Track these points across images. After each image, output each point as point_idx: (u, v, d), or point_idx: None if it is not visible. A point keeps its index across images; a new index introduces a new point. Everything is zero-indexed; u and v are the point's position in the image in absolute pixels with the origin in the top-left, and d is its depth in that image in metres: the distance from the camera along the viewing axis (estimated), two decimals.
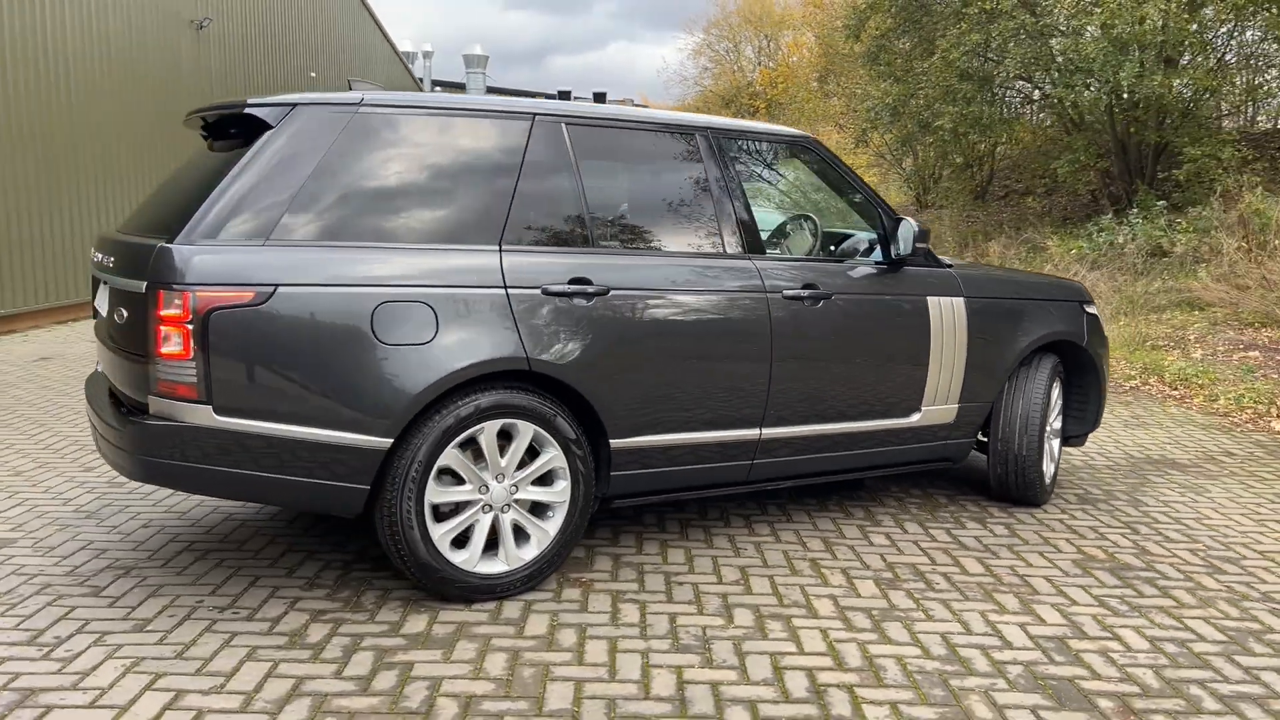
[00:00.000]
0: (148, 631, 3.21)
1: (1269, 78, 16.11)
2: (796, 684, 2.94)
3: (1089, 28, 14.48)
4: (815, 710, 2.78)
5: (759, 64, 45.46)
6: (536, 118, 3.66)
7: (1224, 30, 15.14)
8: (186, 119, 3.79)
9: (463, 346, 3.31)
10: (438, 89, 39.59)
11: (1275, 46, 15.27)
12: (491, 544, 3.51)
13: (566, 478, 3.55)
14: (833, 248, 4.63)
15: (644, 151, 3.94)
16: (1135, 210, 14.23)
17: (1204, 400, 7.63)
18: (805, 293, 4.02)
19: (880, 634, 3.30)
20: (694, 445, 3.84)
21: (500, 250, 3.47)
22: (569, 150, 3.69)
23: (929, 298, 4.38)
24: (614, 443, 3.65)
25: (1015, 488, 4.74)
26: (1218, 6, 14.20)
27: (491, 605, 3.47)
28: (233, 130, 3.49)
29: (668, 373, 3.72)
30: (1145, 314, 11.00)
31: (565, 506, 3.57)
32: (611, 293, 3.59)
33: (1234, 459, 5.92)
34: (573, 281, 3.53)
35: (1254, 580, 3.90)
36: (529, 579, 3.54)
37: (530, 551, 3.54)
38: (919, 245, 4.24)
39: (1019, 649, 3.21)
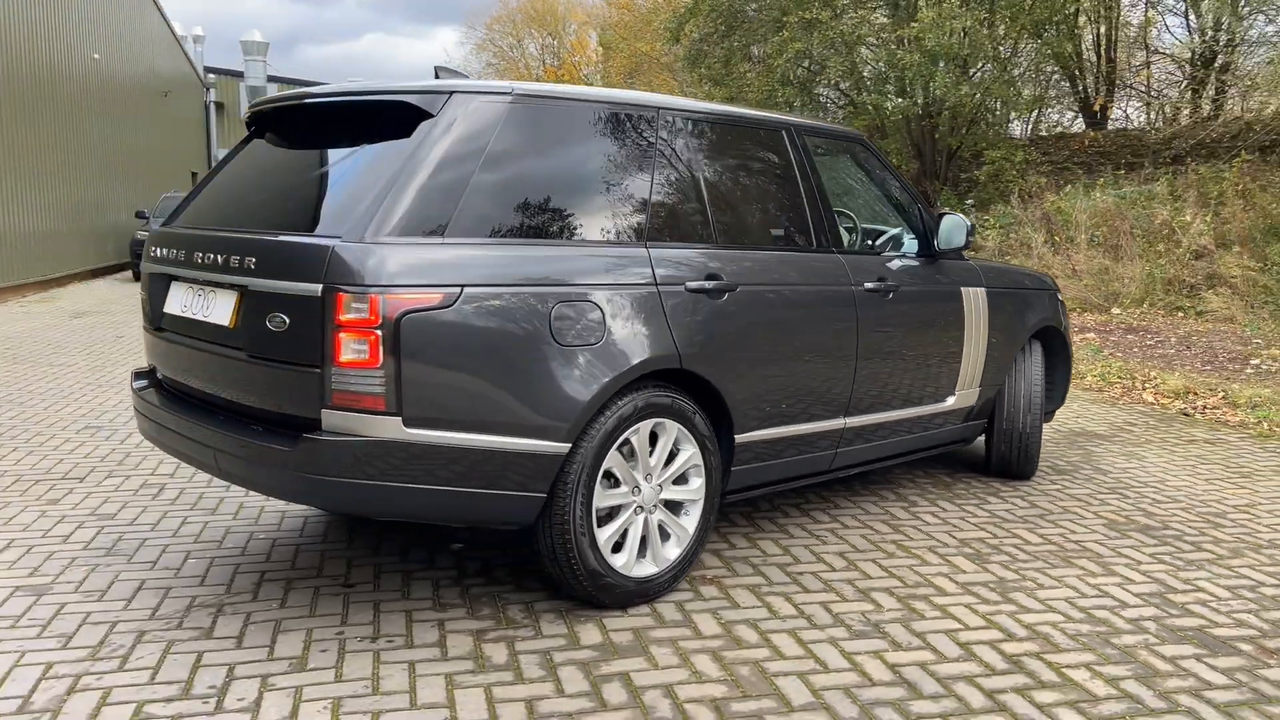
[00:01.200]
0: (315, 670, 2.92)
1: (1046, 89, 18.00)
2: (990, 657, 3.10)
3: (905, 39, 15.64)
4: (1026, 679, 2.96)
5: (544, 62, 45.53)
6: (661, 111, 3.61)
7: (1010, 45, 16.80)
8: (281, 106, 3.46)
9: (629, 346, 3.24)
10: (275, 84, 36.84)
11: (1053, 65, 17.12)
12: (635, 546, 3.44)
13: (701, 475, 3.55)
14: (869, 242, 4.84)
15: (743, 147, 3.98)
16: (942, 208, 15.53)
17: (1073, 378, 8.51)
18: (880, 285, 4.20)
19: (1015, 604, 3.53)
20: (796, 437, 3.93)
21: (646, 246, 3.42)
22: (689, 144, 3.68)
23: (962, 288, 4.68)
24: (738, 438, 3.67)
25: (1016, 464, 5.15)
26: (1007, 25, 15.74)
27: (645, 609, 3.41)
28: (347, 119, 3.24)
29: (781, 366, 3.79)
30: None
31: (700, 504, 3.56)
32: (739, 288, 3.61)
33: (1139, 428, 6.68)
34: (707, 277, 3.52)
35: (1249, 531, 4.45)
36: (674, 579, 3.51)
37: (673, 551, 3.51)
38: (970, 239, 4.53)
39: (1136, 606, 3.54)
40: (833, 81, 16.91)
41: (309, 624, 3.25)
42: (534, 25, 45.54)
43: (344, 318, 2.78)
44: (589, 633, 3.21)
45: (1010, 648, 3.17)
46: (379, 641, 3.13)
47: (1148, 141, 16.09)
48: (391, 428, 2.83)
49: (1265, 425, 6.73)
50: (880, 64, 16.06)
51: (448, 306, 2.87)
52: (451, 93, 3.09)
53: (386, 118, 3.13)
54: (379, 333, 2.77)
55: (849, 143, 4.58)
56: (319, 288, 2.80)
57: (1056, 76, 18.15)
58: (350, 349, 2.79)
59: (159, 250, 3.51)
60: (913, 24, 15.02)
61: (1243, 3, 16.42)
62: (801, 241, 4.02)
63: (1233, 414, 7.10)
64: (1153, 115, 18.24)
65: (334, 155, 3.30)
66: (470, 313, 2.91)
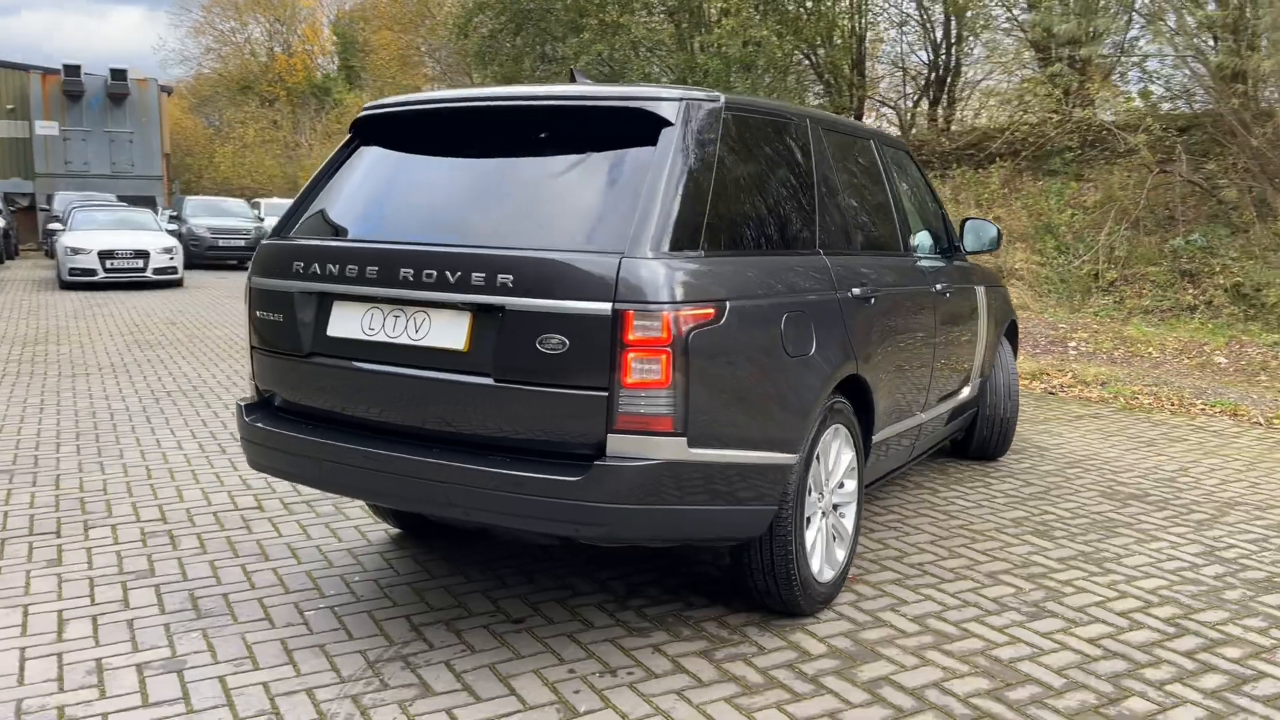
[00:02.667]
0: (596, 712, 2.73)
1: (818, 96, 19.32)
2: (1154, 624, 3.43)
3: (704, 45, 16.26)
4: (1198, 640, 3.32)
5: (272, 48, 42.74)
6: (809, 120, 3.65)
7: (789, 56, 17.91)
8: (464, 108, 3.17)
9: (831, 355, 3.28)
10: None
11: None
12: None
13: (854, 477, 3.64)
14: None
15: (857, 157, 4.09)
16: None
17: None
18: (944, 286, 4.48)
19: (1117, 574, 3.91)
20: (900, 434, 4.11)
21: (824, 255, 3.46)
22: (835, 156, 3.75)
23: (975, 286, 5.06)
24: (874, 438, 3.80)
25: (996, 446, 5.63)
26: (793, 38, 16.79)
27: (831, 614, 3.46)
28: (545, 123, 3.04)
29: (902, 367, 3.95)
30: None
31: (854, 505, 3.65)
32: (881, 292, 3.73)
33: (1028, 409, 7.46)
34: (860, 284, 3.62)
35: (1209, 493, 5.16)
36: (842, 581, 3.57)
37: (840, 554, 3.58)
38: (999, 241, 4.90)
39: (1204, 565, 4.02)
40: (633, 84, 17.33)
41: (527, 665, 3.02)
42: (259, 9, 42.63)
43: (632, 337, 2.62)
44: (807, 642, 3.22)
45: (1160, 613, 3.52)
46: (620, 674, 2.97)
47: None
48: (678, 449, 2.70)
49: (1121, 400, 7.74)
50: (679, 68, 16.59)
51: (718, 322, 2.78)
52: (684, 100, 2.97)
53: (619, 124, 2.96)
54: (670, 351, 2.64)
55: (898, 151, 4.81)
56: (608, 306, 2.62)
57: (819, 87, 19.55)
58: (638, 369, 2.63)
59: (307, 265, 3.09)
60: (715, 30, 15.66)
61: (972, 19, 18.66)
62: (894, 246, 4.20)
63: (1089, 391, 8.09)
64: (902, 124, 20.17)
65: (554, 163, 3.08)
66: (734, 327, 2.83)
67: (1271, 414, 7.15)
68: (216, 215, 23.33)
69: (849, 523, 3.62)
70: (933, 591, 3.68)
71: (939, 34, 18.93)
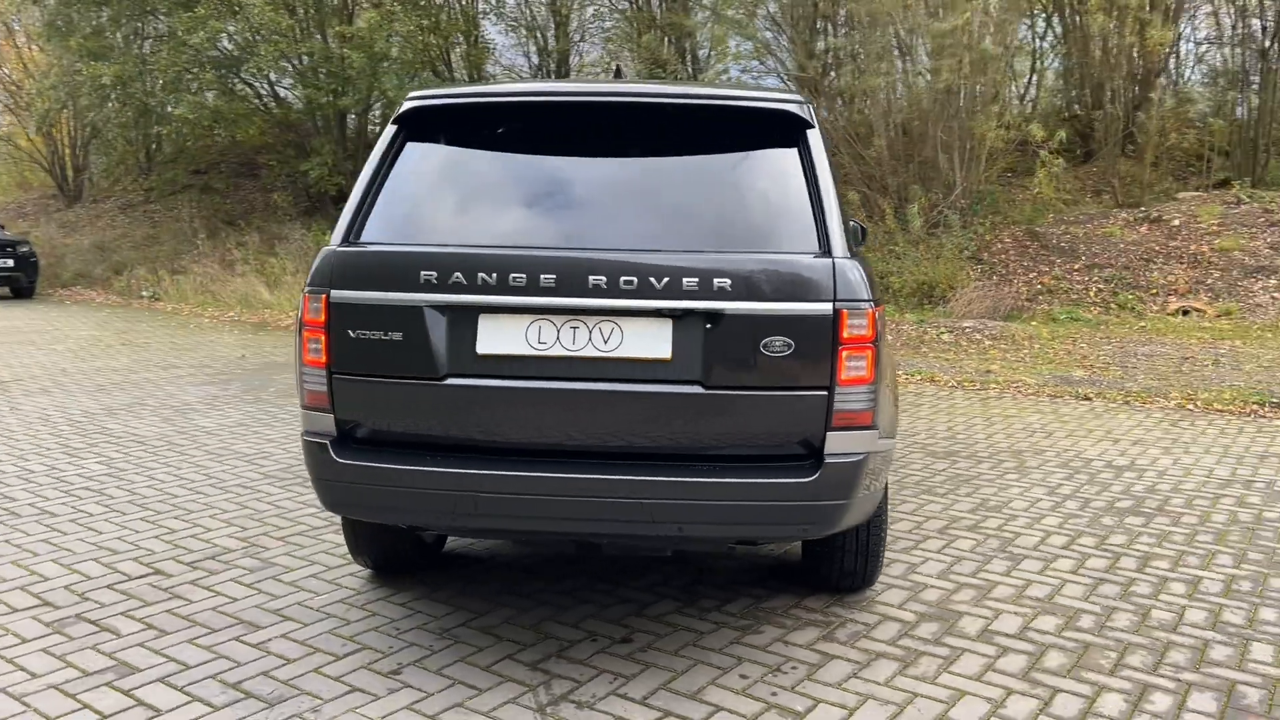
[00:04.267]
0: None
1: None
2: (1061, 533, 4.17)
3: (345, 36, 15.47)
4: None
5: None
6: None
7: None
8: (596, 103, 2.97)
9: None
10: None
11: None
12: None
13: None
14: None
15: None
16: None
17: None
18: None
19: (1037, 510, 4.64)
20: None
21: None
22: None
23: None
24: None
25: None
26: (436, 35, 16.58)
27: (877, 586, 3.73)
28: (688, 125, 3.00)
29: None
30: None
31: None
32: None
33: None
34: None
35: (1007, 444, 6.22)
36: None
37: None
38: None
39: (1073, 497, 4.91)
40: (264, 70, 15.85)
41: (700, 679, 2.94)
42: None
43: (847, 335, 2.69)
44: (893, 612, 3.48)
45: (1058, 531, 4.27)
46: (788, 672, 3.01)
47: None
48: (873, 441, 2.81)
49: (994, 389, 8.66)
50: (314, 56, 15.59)
51: (884, 318, 2.93)
52: (807, 102, 3.04)
53: (758, 125, 2.95)
54: (873, 348, 2.74)
55: None
56: (829, 306, 2.66)
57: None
58: (851, 366, 2.71)
59: (444, 275, 2.70)
60: (356, 22, 14.96)
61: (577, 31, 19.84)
62: None
63: (969, 381, 8.96)
64: None
65: (699, 163, 2.98)
66: (881, 323, 2.99)
67: (961, 377, 8.62)
68: None
69: None
70: (915, 552, 4.10)
71: (549, 41, 19.78)
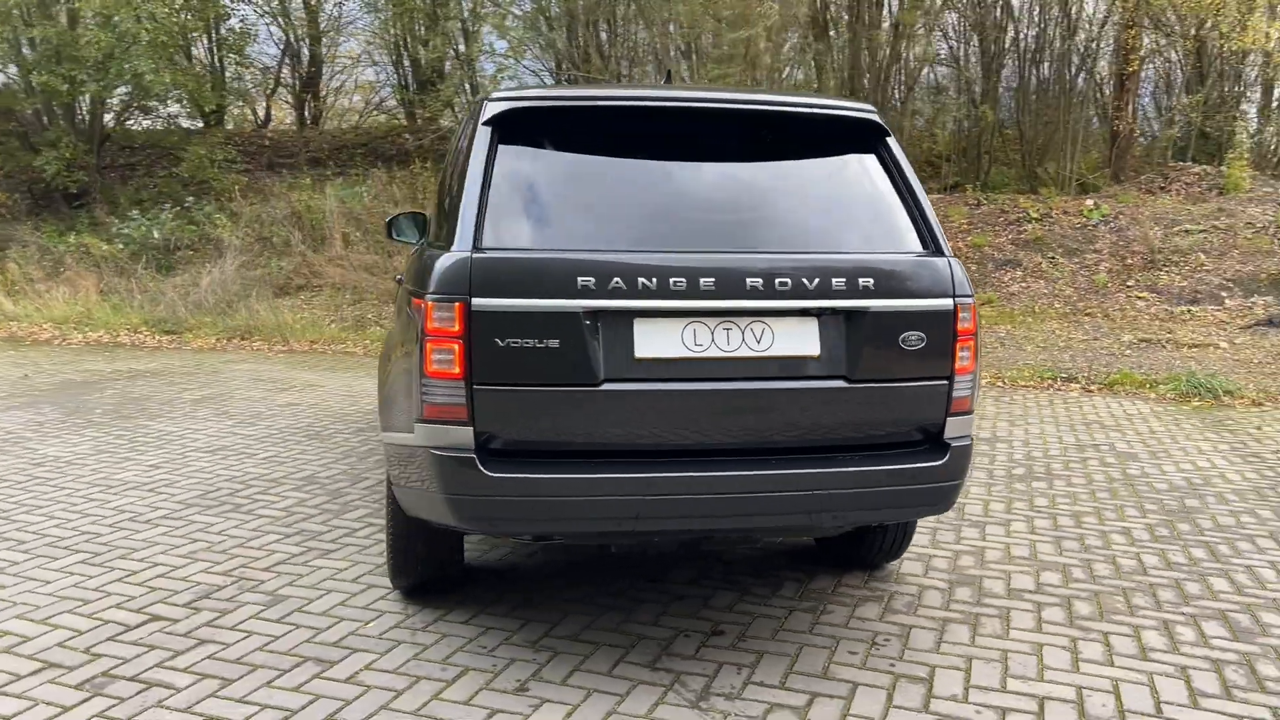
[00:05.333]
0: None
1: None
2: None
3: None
4: None
5: None
6: None
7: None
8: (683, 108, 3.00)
9: None
10: None
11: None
12: None
13: None
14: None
15: None
16: (136, 208, 14.50)
17: None
18: None
19: None
20: None
21: None
22: None
23: None
24: None
25: None
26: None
27: (915, 564, 4.05)
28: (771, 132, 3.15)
29: None
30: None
31: None
32: None
33: None
34: None
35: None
36: None
37: None
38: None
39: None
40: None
41: (816, 661, 3.10)
42: None
43: (960, 327, 2.96)
44: (922, 580, 3.81)
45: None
46: (881, 645, 3.24)
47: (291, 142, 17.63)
48: (970, 425, 3.09)
49: None
50: (48, 41, 13.85)
51: None
52: (877, 111, 3.27)
53: (846, 132, 3.14)
54: (974, 340, 3.03)
55: None
56: (950, 301, 2.91)
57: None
58: (962, 357, 2.98)
59: (602, 281, 2.69)
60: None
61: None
62: None
63: None
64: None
65: (796, 168, 3.12)
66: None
67: None
68: None
69: None
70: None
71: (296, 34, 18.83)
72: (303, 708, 2.81)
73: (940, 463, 2.93)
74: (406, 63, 18.78)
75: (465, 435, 2.75)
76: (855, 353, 2.87)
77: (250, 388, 7.89)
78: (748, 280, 2.77)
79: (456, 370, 2.72)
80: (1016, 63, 16.08)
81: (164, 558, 4.00)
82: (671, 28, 13.80)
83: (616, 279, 2.71)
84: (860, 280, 2.85)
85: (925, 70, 17.14)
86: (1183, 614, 3.50)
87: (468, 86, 16.92)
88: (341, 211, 14.13)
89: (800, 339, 2.84)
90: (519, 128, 2.99)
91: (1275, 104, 16.05)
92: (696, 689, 2.93)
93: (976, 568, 3.95)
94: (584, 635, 3.30)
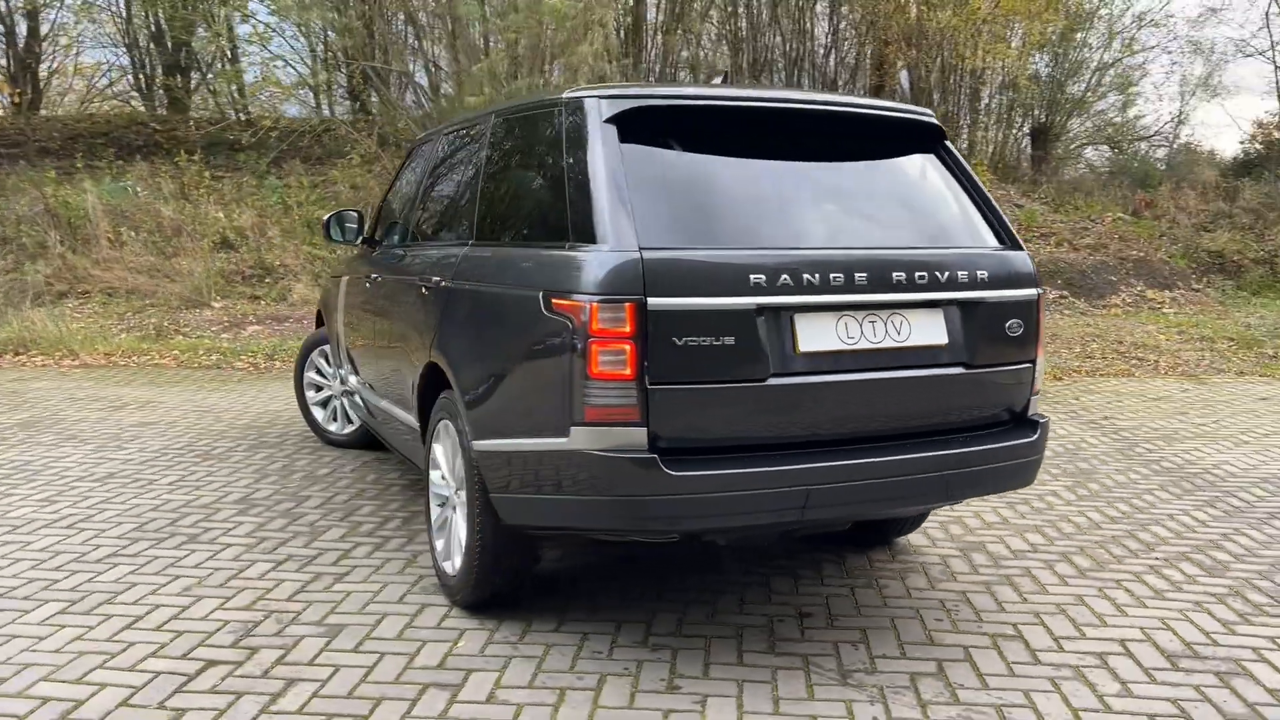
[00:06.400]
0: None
1: None
2: None
3: None
4: None
5: None
6: None
7: None
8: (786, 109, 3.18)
9: None
10: None
11: None
12: None
13: None
14: None
15: None
16: None
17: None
18: None
19: None
20: None
21: None
22: None
23: None
24: None
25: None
26: None
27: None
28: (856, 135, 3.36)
29: None
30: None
31: None
32: None
33: None
34: None
35: None
36: None
37: None
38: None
39: None
40: None
41: (909, 629, 3.30)
42: None
43: (1040, 314, 3.28)
44: (934, 549, 4.12)
45: None
46: (952, 611, 3.50)
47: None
48: (1037, 405, 3.41)
49: None
50: None
51: None
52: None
53: (910, 133, 3.37)
54: (1040, 327, 3.36)
55: None
56: (1035, 291, 3.23)
57: None
58: (1041, 342, 3.30)
59: (771, 278, 2.76)
60: None
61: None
62: None
63: None
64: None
65: (883, 168, 3.32)
66: None
67: None
68: None
69: None
70: None
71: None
72: None
73: (1033, 439, 3.23)
74: (145, 43, 17.24)
75: (638, 436, 2.71)
76: (973, 340, 3.11)
77: (75, 408, 6.98)
78: (892, 274, 2.94)
79: (627, 371, 2.67)
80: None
81: (156, 598, 3.55)
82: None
83: (784, 275, 2.79)
84: (976, 273, 3.10)
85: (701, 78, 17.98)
86: (1160, 558, 4.04)
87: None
88: (106, 209, 12.73)
89: (931, 329, 3.04)
90: (638, 126, 2.98)
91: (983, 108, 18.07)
92: (832, 667, 3.05)
93: (968, 535, 4.33)
94: (685, 631, 3.31)
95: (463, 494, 3.38)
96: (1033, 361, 3.28)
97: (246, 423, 6.52)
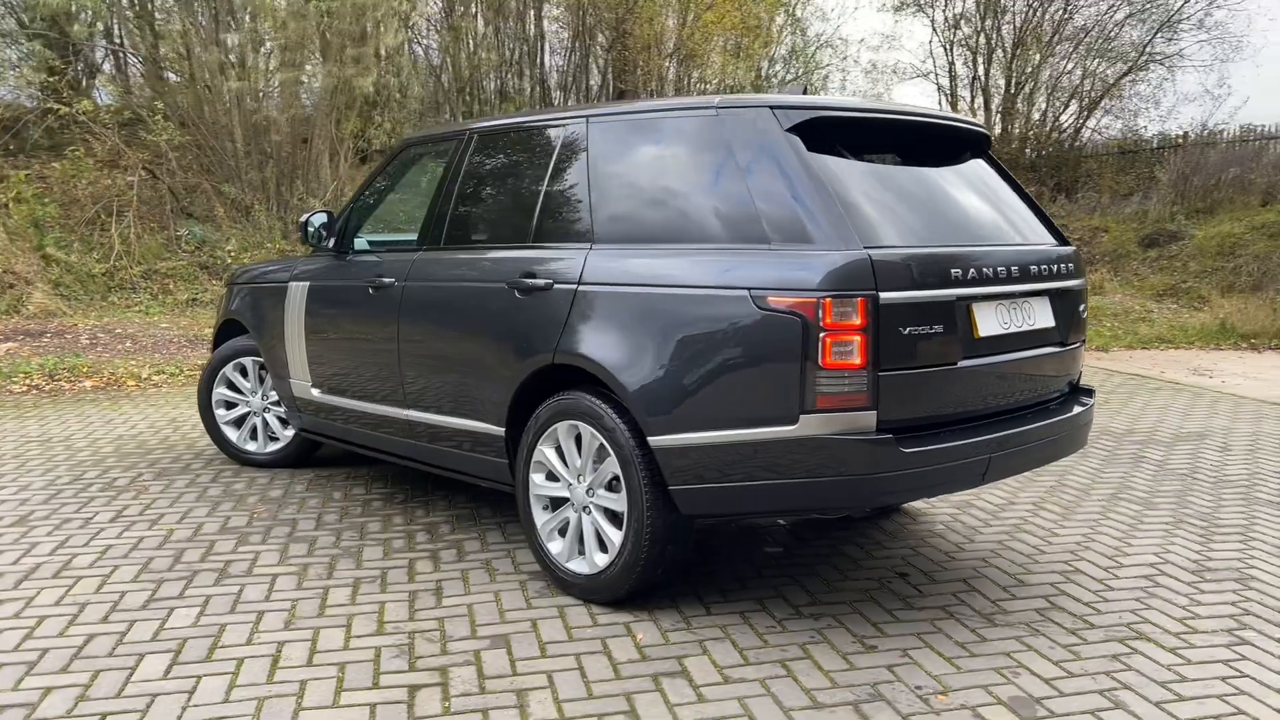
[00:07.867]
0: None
1: None
2: None
3: None
4: None
5: None
6: None
7: None
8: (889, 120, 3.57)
9: None
10: None
11: None
12: None
13: None
14: None
15: None
16: None
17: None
18: None
19: None
20: None
21: None
22: None
23: None
24: None
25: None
26: None
27: None
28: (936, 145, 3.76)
29: None
30: None
31: None
32: None
33: None
34: None
35: None
36: None
37: None
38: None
39: None
40: None
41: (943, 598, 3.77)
42: None
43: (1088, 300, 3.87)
44: (933, 512, 4.65)
45: None
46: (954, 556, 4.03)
47: None
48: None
49: None
50: None
51: None
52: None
53: (972, 141, 3.80)
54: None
55: None
56: (1084, 280, 3.81)
57: None
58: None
59: (965, 272, 3.16)
60: None
61: None
62: None
63: None
64: None
65: (966, 170, 3.71)
66: None
67: None
68: None
69: None
70: None
71: None
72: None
73: (1090, 407, 3.81)
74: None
75: (868, 419, 2.95)
76: (1064, 323, 3.64)
77: None
78: (1031, 267, 3.40)
79: (858, 360, 2.90)
80: None
81: (284, 634, 3.25)
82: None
83: (973, 269, 3.16)
84: (1063, 265, 3.64)
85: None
86: (1140, 511, 4.82)
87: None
88: None
89: (1044, 315, 3.53)
90: (815, 134, 3.20)
91: None
92: (987, 613, 3.43)
93: (967, 505, 4.83)
94: (825, 599, 3.55)
95: (602, 492, 3.41)
96: (1084, 340, 3.88)
97: (133, 449, 5.81)
